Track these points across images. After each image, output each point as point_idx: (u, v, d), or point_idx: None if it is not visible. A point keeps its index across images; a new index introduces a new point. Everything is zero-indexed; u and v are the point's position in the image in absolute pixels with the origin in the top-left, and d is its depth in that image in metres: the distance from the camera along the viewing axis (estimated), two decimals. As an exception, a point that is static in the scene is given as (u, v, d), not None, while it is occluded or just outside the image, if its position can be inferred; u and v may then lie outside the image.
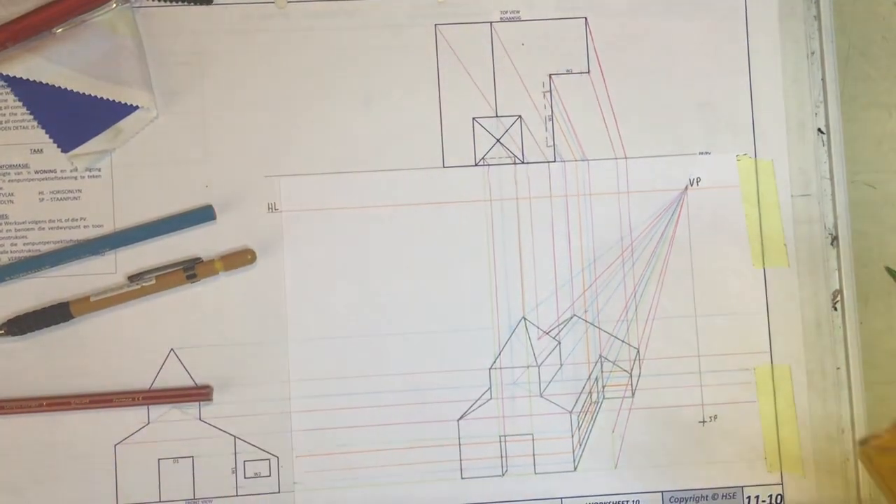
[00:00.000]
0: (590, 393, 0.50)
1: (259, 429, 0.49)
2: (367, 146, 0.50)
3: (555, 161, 0.51)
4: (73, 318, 0.48)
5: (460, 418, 0.49)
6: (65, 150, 0.49)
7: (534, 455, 0.50)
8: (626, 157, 0.51)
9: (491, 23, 0.51)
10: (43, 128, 0.49)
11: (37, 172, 0.49)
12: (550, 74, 0.51)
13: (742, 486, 0.50)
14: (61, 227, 0.49)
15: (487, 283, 0.50)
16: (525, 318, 0.50)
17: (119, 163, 0.49)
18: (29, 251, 0.49)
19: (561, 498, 0.50)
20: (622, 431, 0.50)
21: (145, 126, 0.49)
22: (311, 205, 0.50)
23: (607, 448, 0.50)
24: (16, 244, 0.49)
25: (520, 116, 0.51)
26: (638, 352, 0.50)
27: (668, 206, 0.51)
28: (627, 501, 0.50)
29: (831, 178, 0.51)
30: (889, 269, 0.54)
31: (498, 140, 0.51)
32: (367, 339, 0.50)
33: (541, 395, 0.50)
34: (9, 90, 0.49)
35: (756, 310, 0.51)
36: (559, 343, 0.50)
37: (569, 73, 0.51)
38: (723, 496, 0.50)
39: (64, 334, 0.48)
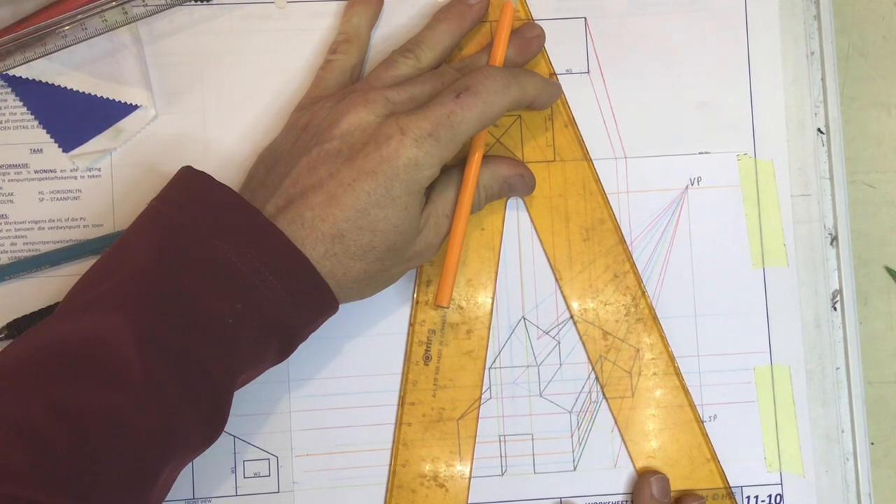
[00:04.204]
0: (589, 393, 0.50)
1: (259, 429, 0.49)
2: (367, 146, 0.50)
3: (554, 161, 0.51)
4: (73, 317, 0.48)
5: (460, 418, 0.49)
6: (66, 150, 0.49)
7: (533, 455, 0.50)
8: (625, 157, 0.51)
9: (491, 22, 0.51)
10: (44, 127, 0.49)
11: (37, 172, 0.49)
12: (550, 74, 0.51)
13: (741, 486, 0.50)
14: (61, 227, 0.49)
15: (488, 282, 0.50)
16: (525, 318, 0.50)
17: (119, 163, 0.49)
18: (29, 251, 0.49)
19: (560, 498, 0.50)
20: (622, 431, 0.50)
21: (145, 126, 0.49)
22: (311, 205, 0.49)
23: (607, 448, 0.50)
24: (16, 244, 0.49)
25: (520, 116, 0.51)
26: (638, 352, 0.50)
27: (668, 206, 0.51)
28: (627, 501, 0.50)
29: (831, 178, 0.51)
30: (889, 269, 0.54)
31: (498, 140, 0.51)
32: (366, 339, 0.50)
33: (540, 395, 0.50)
34: (9, 90, 0.49)
35: (755, 310, 0.51)
36: (559, 343, 0.50)
37: (569, 73, 0.51)
38: (722, 496, 0.50)
39: (64, 334, 0.48)
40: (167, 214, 0.42)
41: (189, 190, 0.43)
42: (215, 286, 0.40)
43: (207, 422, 0.41)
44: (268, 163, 0.45)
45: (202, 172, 0.43)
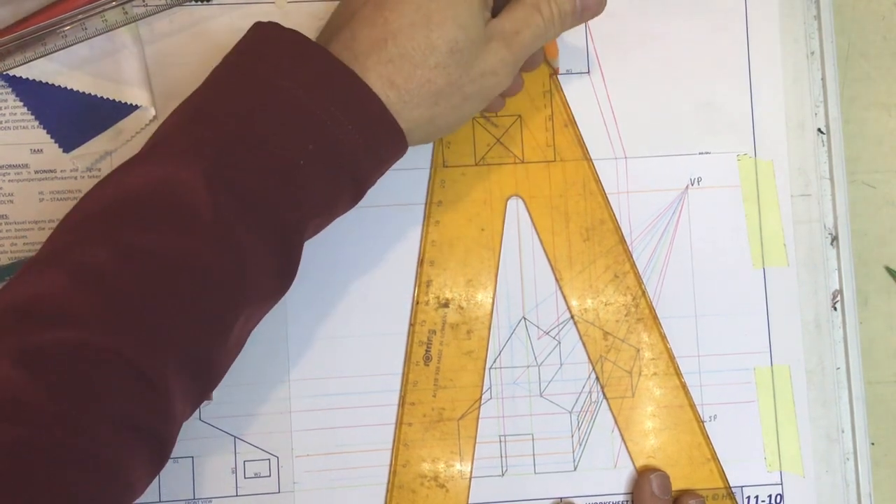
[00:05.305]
0: (590, 393, 0.50)
1: (259, 429, 0.49)
2: (367, 146, 0.50)
3: (554, 161, 0.51)
4: (73, 317, 0.48)
5: (460, 418, 0.49)
6: (66, 150, 0.49)
7: (534, 455, 0.50)
8: (626, 157, 0.51)
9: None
10: (44, 127, 0.49)
11: (37, 172, 0.49)
12: (550, 74, 0.51)
13: (742, 486, 0.50)
14: (61, 227, 0.49)
15: (488, 283, 0.50)
16: (525, 318, 0.50)
17: (119, 163, 0.49)
18: (29, 251, 0.49)
19: (560, 498, 0.50)
20: (622, 431, 0.50)
21: (145, 126, 0.49)
22: (311, 205, 0.49)
23: (607, 448, 0.50)
24: (16, 244, 0.49)
25: (519, 116, 0.51)
26: (638, 352, 0.50)
27: (668, 206, 0.51)
28: (627, 501, 0.50)
29: (831, 178, 0.51)
30: (889, 269, 0.54)
31: (498, 140, 0.51)
32: (367, 339, 0.50)
33: (541, 395, 0.50)
34: (9, 90, 0.49)
35: (756, 310, 0.51)
36: (559, 343, 0.50)
37: (569, 73, 0.51)
38: (722, 496, 0.50)
39: (64, 334, 0.48)
40: (235, 62, 0.41)
41: (256, 37, 0.42)
42: (285, 127, 0.39)
43: (279, 266, 0.41)
44: (336, 8, 0.45)
45: (270, 22, 0.42)
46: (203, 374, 0.40)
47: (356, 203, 0.43)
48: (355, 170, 0.41)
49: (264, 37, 0.42)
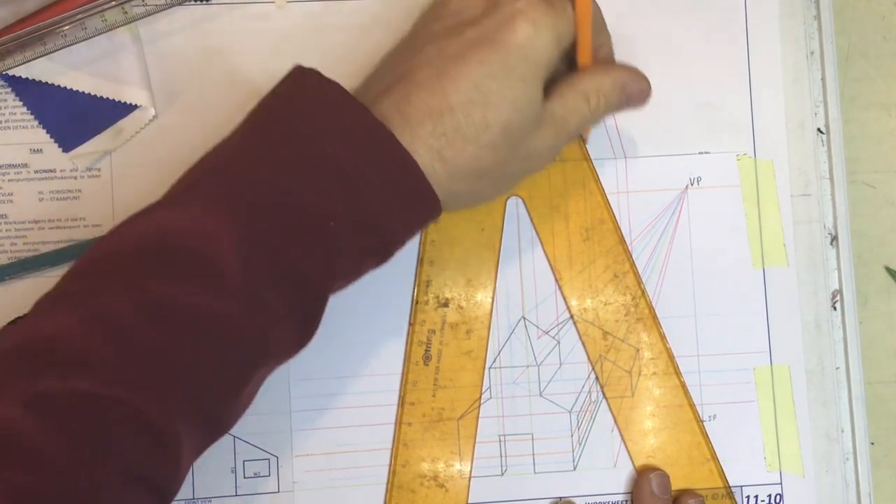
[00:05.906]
0: (589, 392, 0.50)
1: (258, 428, 0.49)
2: (367, 146, 0.50)
3: (554, 161, 0.51)
4: (73, 317, 0.48)
5: (460, 418, 0.49)
6: (66, 150, 0.49)
7: (533, 454, 0.50)
8: (625, 157, 0.51)
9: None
10: (44, 127, 0.49)
11: (37, 172, 0.49)
12: (550, 76, 0.51)
13: (741, 486, 0.50)
14: (61, 227, 0.49)
15: (488, 282, 0.50)
16: (524, 318, 0.50)
17: (119, 163, 0.49)
18: (29, 251, 0.49)
19: (560, 497, 0.50)
20: (622, 431, 0.50)
21: (145, 126, 0.49)
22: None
23: (606, 447, 0.50)
24: (16, 244, 0.49)
25: (520, 116, 0.51)
26: (638, 351, 0.50)
27: (668, 205, 0.51)
28: (626, 501, 0.50)
29: (831, 178, 0.51)
30: (889, 269, 0.54)
31: (498, 140, 0.51)
32: (366, 339, 0.50)
33: (540, 395, 0.50)
34: (9, 90, 0.49)
35: (755, 310, 0.51)
36: (559, 342, 0.50)
37: (569, 72, 0.51)
38: (722, 496, 0.50)
39: (64, 334, 0.48)
40: (273, 109, 0.40)
41: (296, 86, 0.41)
42: (318, 186, 0.38)
43: (302, 328, 0.40)
44: (384, 61, 0.44)
45: (311, 69, 0.41)
46: (214, 428, 0.39)
47: (383, 263, 0.42)
48: (385, 234, 0.40)
49: (305, 88, 0.41)
